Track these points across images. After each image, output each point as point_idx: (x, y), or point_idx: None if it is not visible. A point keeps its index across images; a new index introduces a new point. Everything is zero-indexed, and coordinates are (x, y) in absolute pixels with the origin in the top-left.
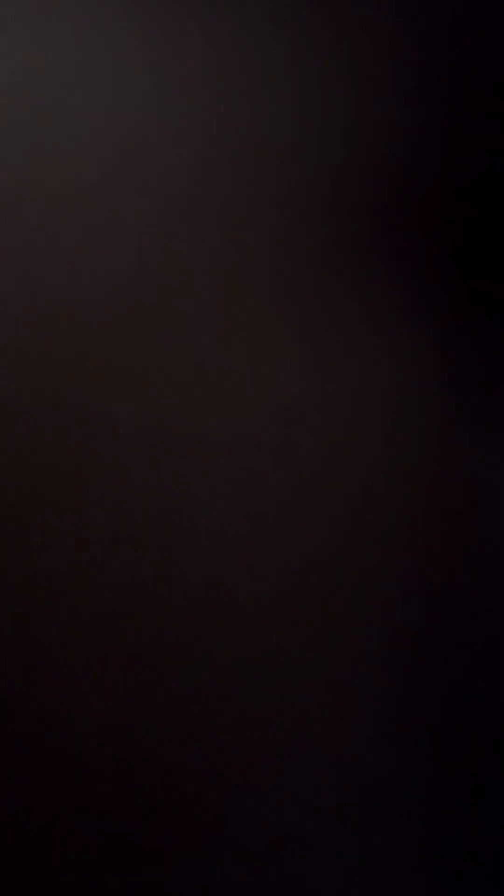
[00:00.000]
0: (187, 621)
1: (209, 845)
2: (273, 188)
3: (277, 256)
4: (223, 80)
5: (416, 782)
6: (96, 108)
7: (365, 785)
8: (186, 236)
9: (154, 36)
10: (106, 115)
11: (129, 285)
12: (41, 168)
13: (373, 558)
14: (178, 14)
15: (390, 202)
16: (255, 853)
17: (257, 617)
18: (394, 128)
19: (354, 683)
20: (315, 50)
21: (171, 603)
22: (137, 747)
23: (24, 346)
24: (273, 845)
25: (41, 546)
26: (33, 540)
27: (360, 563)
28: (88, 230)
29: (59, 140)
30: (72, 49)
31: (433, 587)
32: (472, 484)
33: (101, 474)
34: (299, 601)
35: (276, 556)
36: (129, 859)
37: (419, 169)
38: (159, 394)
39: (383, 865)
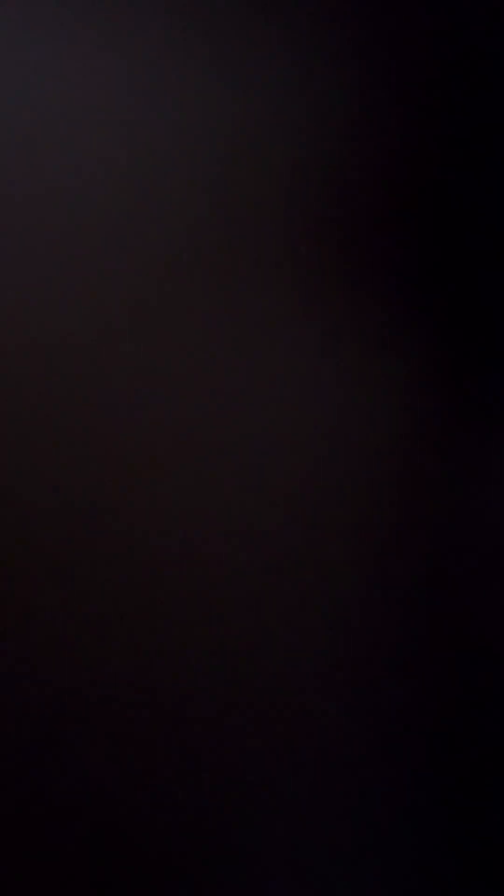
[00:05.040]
0: (186, 610)
1: (209, 841)
2: (274, 192)
3: (275, 261)
4: (222, 86)
5: (417, 781)
6: (98, 116)
7: (366, 781)
8: (187, 244)
9: (153, 42)
10: (108, 125)
11: (132, 285)
12: (44, 169)
13: (374, 557)
14: (178, 21)
15: (388, 208)
16: (254, 847)
17: (258, 608)
18: (394, 142)
19: (356, 683)
20: (315, 66)
21: (173, 594)
22: (135, 736)
23: (31, 341)
24: (272, 840)
25: (43, 537)
26: (35, 530)
27: (362, 560)
28: (93, 233)
29: (62, 144)
30: (73, 54)
31: (432, 585)
32: (474, 478)
33: (103, 466)
34: (301, 598)
35: (280, 554)
36: (128, 856)
37: (417, 178)
38: (161, 389)
39: (385, 862)
